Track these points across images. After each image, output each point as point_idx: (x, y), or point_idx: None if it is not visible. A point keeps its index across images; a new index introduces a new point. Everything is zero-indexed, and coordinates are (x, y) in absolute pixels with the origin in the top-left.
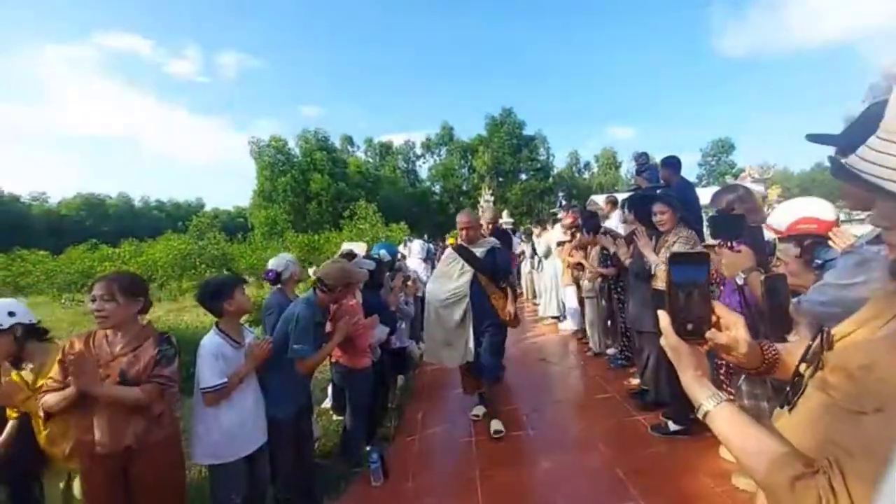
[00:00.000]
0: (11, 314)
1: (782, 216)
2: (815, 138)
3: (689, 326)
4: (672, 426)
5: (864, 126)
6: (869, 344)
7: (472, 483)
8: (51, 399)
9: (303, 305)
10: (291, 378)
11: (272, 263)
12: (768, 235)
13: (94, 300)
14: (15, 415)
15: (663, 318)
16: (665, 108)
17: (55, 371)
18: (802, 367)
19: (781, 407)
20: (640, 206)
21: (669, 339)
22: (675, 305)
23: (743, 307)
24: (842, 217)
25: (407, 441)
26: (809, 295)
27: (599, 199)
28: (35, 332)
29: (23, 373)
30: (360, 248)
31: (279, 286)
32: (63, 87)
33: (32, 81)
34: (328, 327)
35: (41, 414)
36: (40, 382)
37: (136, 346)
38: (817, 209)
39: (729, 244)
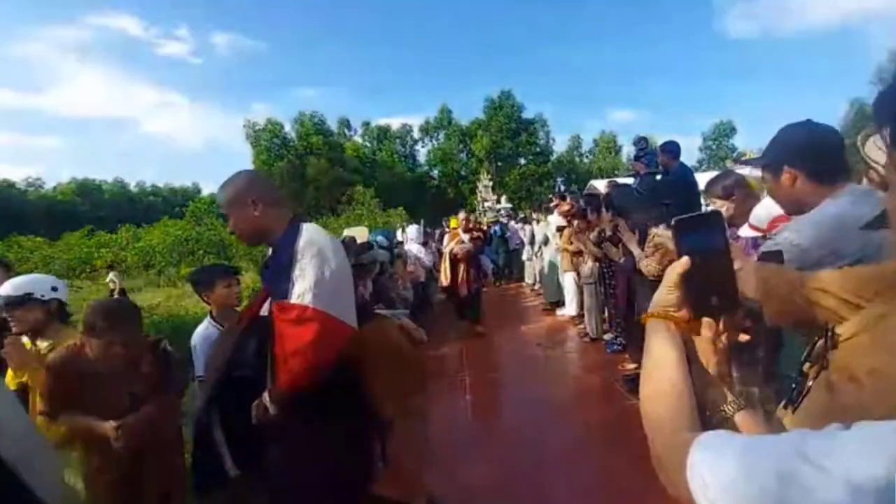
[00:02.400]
0: (55, 289)
1: (763, 214)
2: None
3: (714, 300)
4: None
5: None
6: (877, 348)
7: (470, 465)
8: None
9: None
10: None
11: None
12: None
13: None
14: (13, 387)
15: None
16: (666, 91)
17: (48, 398)
18: (806, 366)
19: (785, 407)
20: (616, 203)
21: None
22: (691, 279)
23: None
24: None
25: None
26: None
27: (599, 185)
28: (63, 314)
29: (40, 345)
30: (360, 233)
31: None
32: (53, 69)
33: (22, 63)
34: None
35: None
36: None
37: (135, 357)
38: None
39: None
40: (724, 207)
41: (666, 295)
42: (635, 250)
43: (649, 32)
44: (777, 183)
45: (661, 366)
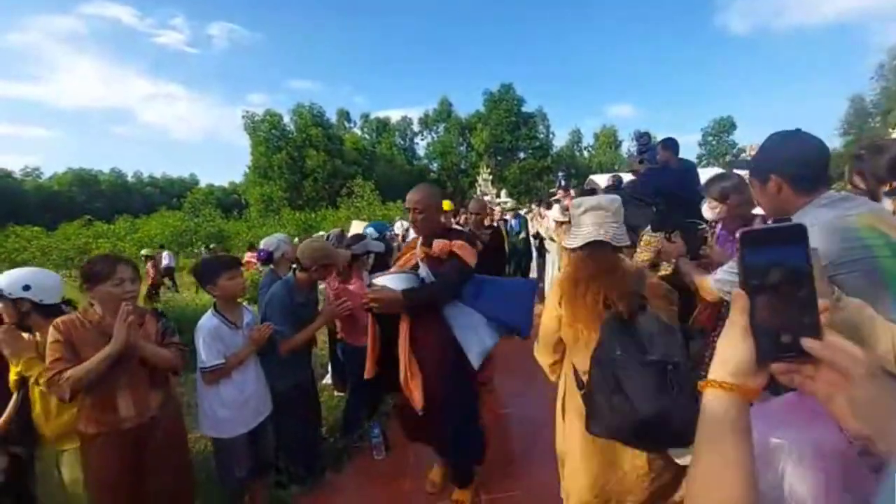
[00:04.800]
0: (26, 288)
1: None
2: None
3: (785, 338)
4: None
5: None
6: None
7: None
8: (79, 371)
9: (279, 286)
10: (286, 355)
11: (264, 243)
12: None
13: (120, 282)
14: (15, 376)
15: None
16: (666, 86)
17: (55, 349)
18: None
19: None
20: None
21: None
22: (759, 310)
23: None
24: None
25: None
26: (720, 273)
27: (599, 179)
28: (43, 310)
29: (37, 336)
30: (357, 226)
31: (272, 266)
32: (50, 59)
33: (18, 54)
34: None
35: (64, 395)
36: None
37: (140, 321)
38: None
39: (667, 235)
40: (717, 209)
41: (737, 351)
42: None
43: (649, 29)
44: (763, 189)
45: (724, 479)
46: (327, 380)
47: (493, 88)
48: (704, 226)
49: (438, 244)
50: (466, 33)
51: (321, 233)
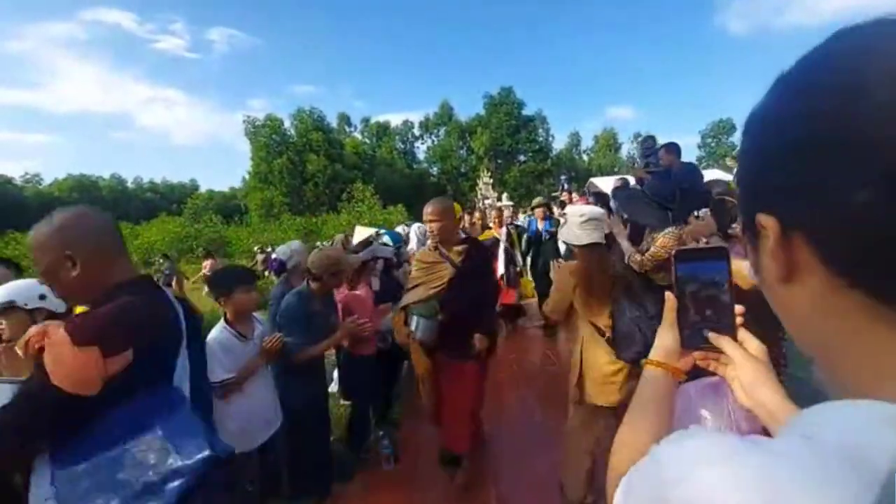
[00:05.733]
0: (42, 297)
1: None
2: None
3: (706, 332)
4: None
5: None
6: None
7: (484, 469)
8: None
9: (292, 296)
10: (300, 365)
11: (279, 252)
12: None
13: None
14: None
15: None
16: (666, 88)
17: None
18: None
19: None
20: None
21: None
22: (684, 309)
23: None
24: None
25: (415, 426)
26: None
27: (599, 182)
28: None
29: None
30: (362, 232)
31: (285, 275)
32: (50, 65)
33: (18, 60)
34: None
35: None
36: None
37: None
38: None
39: (696, 214)
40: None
41: (665, 339)
42: (623, 243)
43: (648, 31)
44: None
45: (643, 429)
46: (333, 387)
47: (493, 92)
48: (734, 200)
49: None
50: (467, 37)
51: (322, 242)
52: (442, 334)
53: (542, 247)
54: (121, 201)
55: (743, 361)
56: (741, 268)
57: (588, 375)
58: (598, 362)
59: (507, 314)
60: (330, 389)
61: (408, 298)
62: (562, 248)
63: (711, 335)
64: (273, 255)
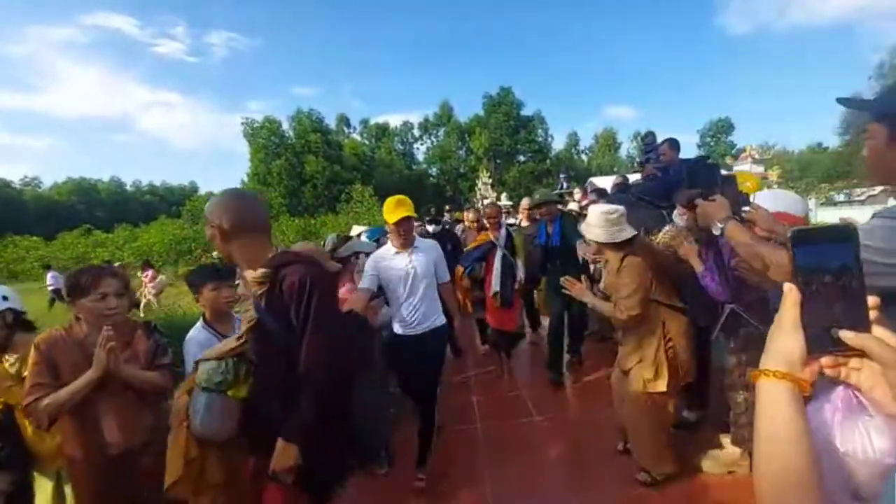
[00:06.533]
0: (5, 298)
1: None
2: (848, 102)
3: (834, 332)
4: (686, 414)
5: None
6: None
7: (478, 469)
8: (58, 399)
9: None
10: None
11: None
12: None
13: (103, 297)
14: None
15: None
16: (665, 88)
17: (35, 373)
18: None
19: None
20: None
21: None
22: (808, 304)
23: (715, 263)
24: (840, 198)
25: (410, 428)
26: None
27: (599, 181)
28: (24, 323)
29: (6, 364)
30: (358, 231)
31: None
32: (49, 68)
33: (18, 63)
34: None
35: (42, 424)
36: (25, 374)
37: (128, 339)
38: (789, 204)
39: (703, 195)
40: (684, 216)
41: (787, 342)
42: None
43: (648, 30)
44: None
45: (786, 451)
46: None
47: (492, 92)
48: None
49: None
50: (466, 37)
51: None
52: (245, 426)
53: (555, 258)
54: (120, 204)
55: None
56: (781, 257)
57: (680, 356)
58: (687, 338)
59: (503, 344)
60: None
61: (207, 352)
62: (580, 251)
63: (847, 334)
64: None
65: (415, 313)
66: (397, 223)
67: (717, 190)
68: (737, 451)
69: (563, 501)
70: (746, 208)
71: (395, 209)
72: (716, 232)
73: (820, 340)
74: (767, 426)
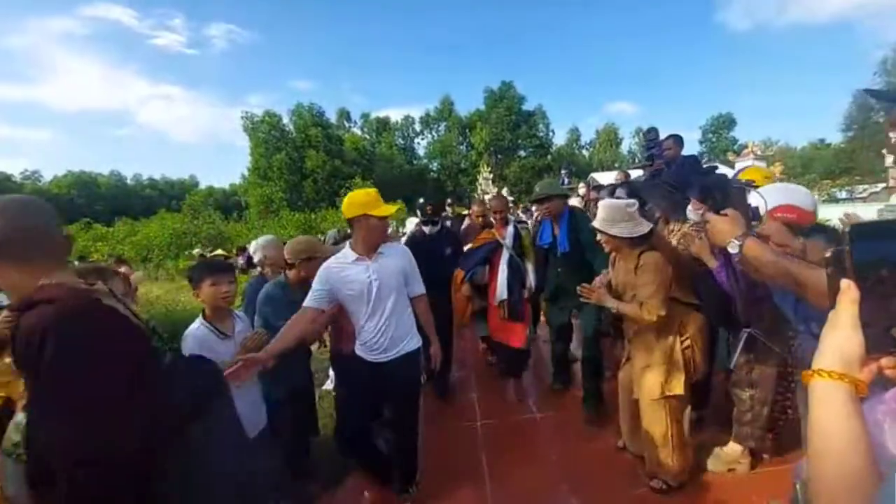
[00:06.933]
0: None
1: (761, 200)
2: (878, 94)
3: (895, 331)
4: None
5: None
6: None
7: (478, 468)
8: None
9: (271, 286)
10: (282, 359)
11: (251, 247)
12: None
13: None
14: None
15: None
16: (667, 84)
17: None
18: None
19: None
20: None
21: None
22: (868, 302)
23: (730, 282)
24: (842, 195)
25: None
26: None
27: (601, 177)
28: None
29: (6, 359)
30: None
31: (259, 270)
32: (48, 61)
33: (16, 55)
34: None
35: None
36: None
37: None
38: (800, 198)
39: (711, 206)
40: (699, 210)
41: (844, 341)
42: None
43: (650, 26)
44: None
45: (843, 454)
46: (328, 385)
47: (494, 86)
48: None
49: None
50: (468, 32)
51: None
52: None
53: (560, 264)
54: (120, 198)
55: None
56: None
57: (696, 356)
58: (703, 337)
59: (510, 362)
60: (325, 387)
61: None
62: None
63: None
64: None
65: (379, 337)
66: (384, 219)
67: (728, 203)
68: (738, 448)
69: (563, 499)
70: (755, 223)
71: (381, 201)
72: (732, 251)
73: (880, 340)
74: (823, 429)
